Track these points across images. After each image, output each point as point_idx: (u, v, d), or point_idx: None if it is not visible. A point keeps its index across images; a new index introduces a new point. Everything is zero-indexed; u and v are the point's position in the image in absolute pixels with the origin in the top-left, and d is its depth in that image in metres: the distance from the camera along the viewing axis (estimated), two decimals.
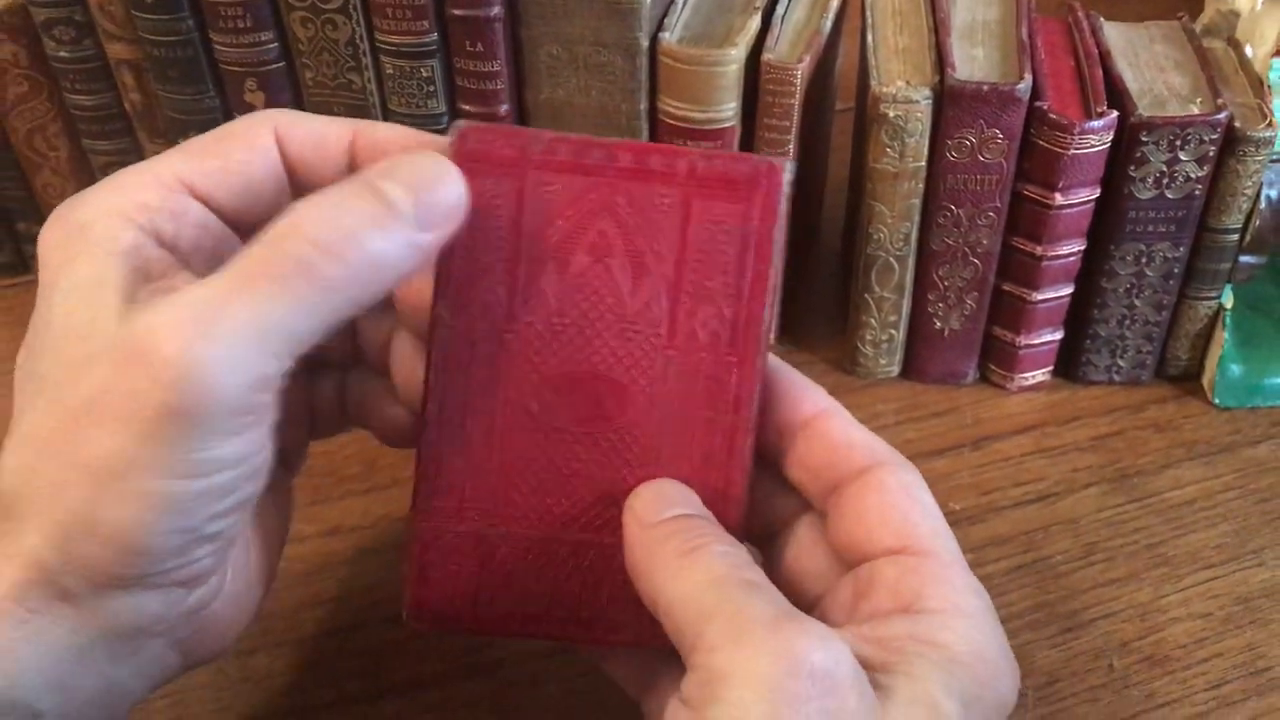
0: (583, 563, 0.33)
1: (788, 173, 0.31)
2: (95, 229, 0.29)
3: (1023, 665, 0.40)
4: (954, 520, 0.45)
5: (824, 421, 0.33)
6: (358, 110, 0.48)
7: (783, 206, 0.31)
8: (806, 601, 0.33)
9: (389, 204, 0.28)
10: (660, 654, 0.31)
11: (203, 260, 0.31)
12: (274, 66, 0.47)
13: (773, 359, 0.34)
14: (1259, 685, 0.40)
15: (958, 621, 0.29)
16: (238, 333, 0.27)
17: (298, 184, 0.33)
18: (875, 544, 0.31)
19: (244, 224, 0.33)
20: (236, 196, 0.32)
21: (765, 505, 0.35)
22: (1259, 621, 0.42)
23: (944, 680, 0.28)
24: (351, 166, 0.33)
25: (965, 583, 0.31)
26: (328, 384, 0.38)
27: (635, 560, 0.31)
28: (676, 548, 0.30)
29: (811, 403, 0.33)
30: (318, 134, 0.33)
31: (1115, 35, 0.48)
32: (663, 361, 0.32)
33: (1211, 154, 0.44)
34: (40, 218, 0.56)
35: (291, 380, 0.36)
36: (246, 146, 0.32)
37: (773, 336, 0.49)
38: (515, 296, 0.32)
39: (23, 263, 0.58)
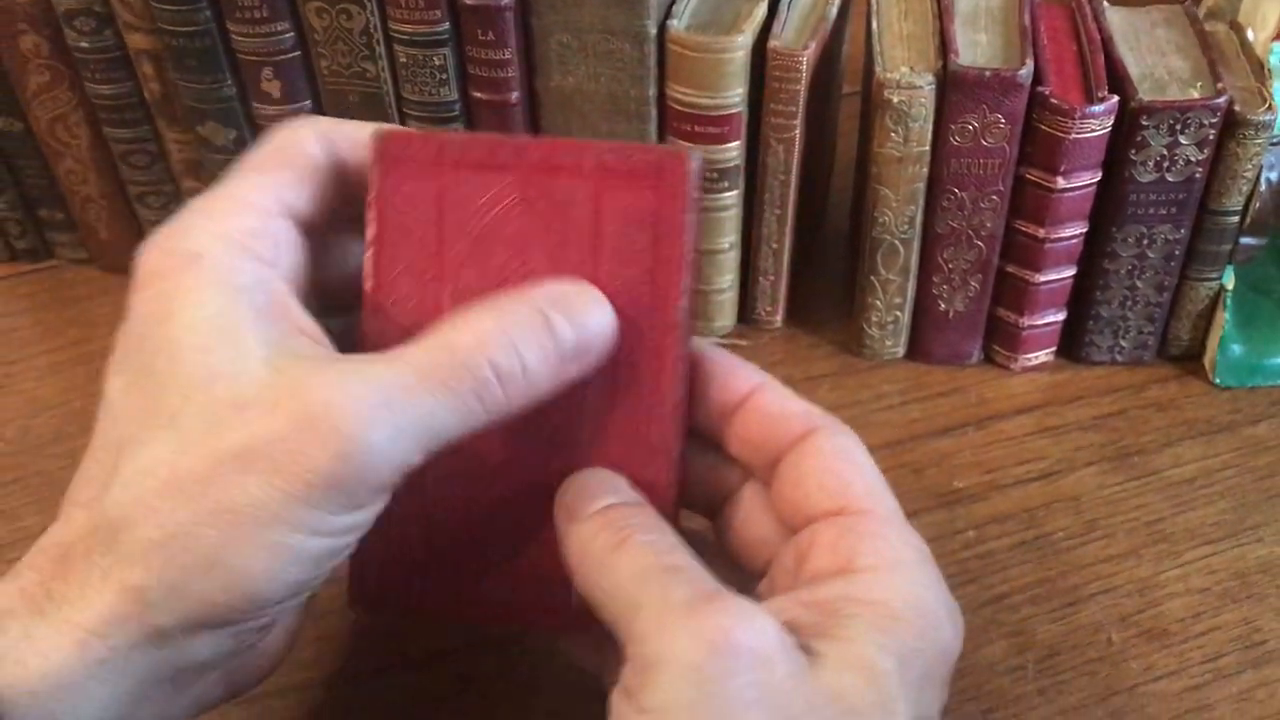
0: (519, 552, 0.34)
1: (694, 161, 0.32)
2: (210, 260, 0.30)
3: (1023, 639, 0.42)
4: (957, 498, 0.47)
5: (758, 396, 0.34)
6: (372, 98, 0.49)
7: (692, 194, 0.32)
8: (757, 568, 0.34)
9: (557, 339, 0.30)
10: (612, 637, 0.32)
11: (292, 277, 0.32)
12: (290, 56, 0.48)
13: (701, 342, 0.34)
14: (1254, 658, 0.41)
15: (892, 577, 0.30)
16: (407, 427, 0.28)
17: (342, 183, 0.34)
18: (813, 507, 0.32)
19: (314, 229, 0.34)
20: (310, 205, 0.33)
21: (710, 476, 0.35)
22: (1255, 596, 0.43)
23: (878, 639, 0.28)
24: None
25: (900, 537, 0.31)
26: None
27: (568, 556, 0.32)
28: (604, 543, 0.30)
29: (745, 380, 0.34)
30: (353, 137, 0.33)
31: (1117, 19, 0.49)
32: None
33: (1211, 137, 0.45)
34: (62, 204, 0.57)
35: None
36: (305, 152, 0.33)
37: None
38: (441, 295, 0.32)
39: (45, 248, 0.59)
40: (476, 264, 0.32)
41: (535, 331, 0.30)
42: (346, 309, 0.35)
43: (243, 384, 0.28)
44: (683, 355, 0.33)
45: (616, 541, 0.30)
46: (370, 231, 0.33)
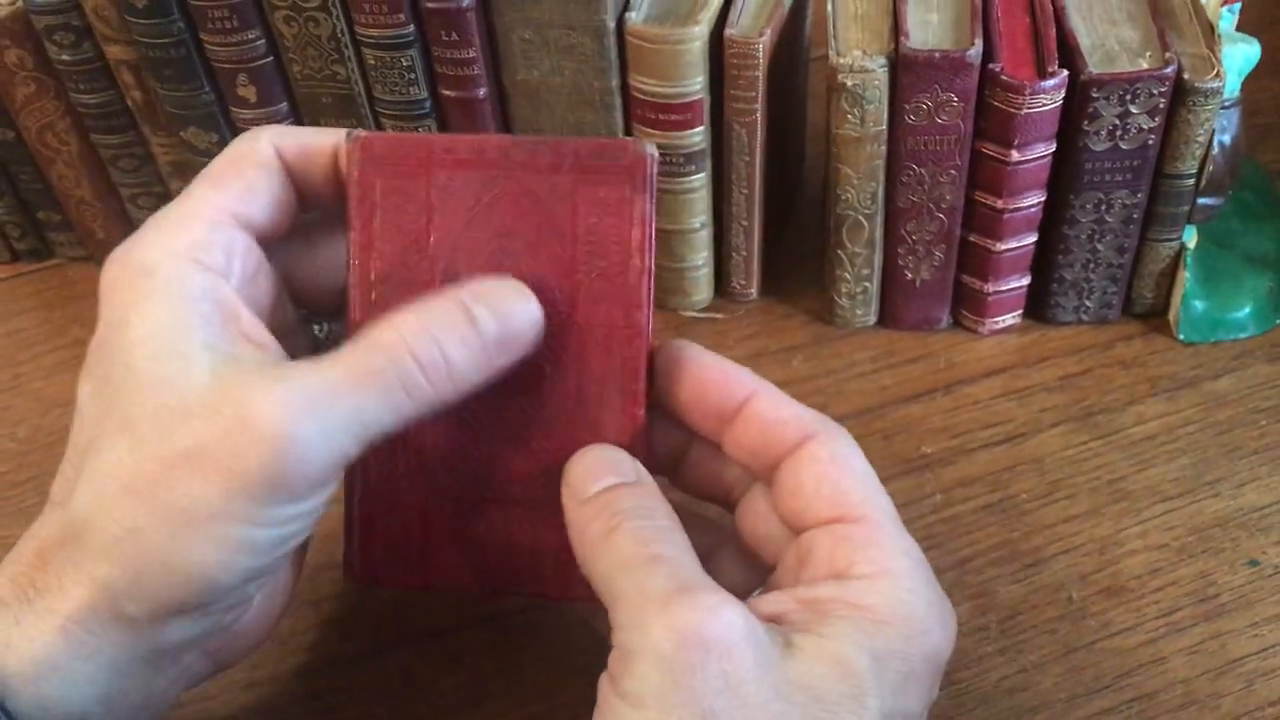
0: (512, 523, 0.37)
1: (655, 153, 0.35)
2: (162, 272, 0.32)
3: (986, 600, 0.44)
4: (925, 463, 0.49)
5: (754, 403, 0.35)
6: (345, 99, 0.50)
7: (653, 184, 0.35)
8: (767, 564, 0.36)
9: (480, 332, 0.33)
10: None
11: (246, 283, 0.34)
12: (263, 62, 0.49)
13: (696, 348, 0.36)
14: (1207, 611, 0.43)
15: (883, 584, 0.31)
16: (337, 422, 0.31)
17: (298, 189, 0.36)
18: (813, 515, 0.34)
19: (270, 239, 0.36)
20: (263, 213, 0.35)
21: (725, 474, 0.37)
22: (1211, 550, 0.45)
23: (856, 638, 0.30)
24: (336, 170, 0.36)
25: (894, 545, 0.33)
26: None
27: (571, 536, 0.34)
28: (599, 529, 0.32)
29: (741, 386, 0.35)
30: (307, 145, 0.35)
31: None
32: (568, 337, 0.35)
33: (1162, 106, 0.45)
34: (57, 206, 0.59)
35: None
36: (257, 164, 0.35)
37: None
38: (430, 283, 0.35)
39: (45, 248, 0.61)
40: (463, 259, 0.35)
41: (456, 325, 0.33)
42: (332, 307, 0.38)
43: (188, 392, 0.31)
44: (651, 335, 0.36)
45: (609, 528, 0.32)
46: (356, 227, 0.35)
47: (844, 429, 0.35)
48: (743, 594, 0.31)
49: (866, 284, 0.52)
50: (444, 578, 0.38)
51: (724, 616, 0.29)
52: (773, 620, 0.31)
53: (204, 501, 0.30)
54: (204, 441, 0.30)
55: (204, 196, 0.34)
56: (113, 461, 0.31)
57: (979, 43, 0.45)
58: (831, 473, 0.34)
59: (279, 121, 0.51)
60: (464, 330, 0.33)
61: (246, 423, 0.30)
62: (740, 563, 0.37)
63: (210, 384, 0.31)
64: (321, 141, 0.36)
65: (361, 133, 0.35)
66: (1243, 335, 0.52)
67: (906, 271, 0.52)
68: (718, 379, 0.36)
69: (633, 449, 0.35)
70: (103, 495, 0.31)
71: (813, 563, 0.33)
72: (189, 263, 0.33)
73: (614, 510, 0.33)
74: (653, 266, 0.35)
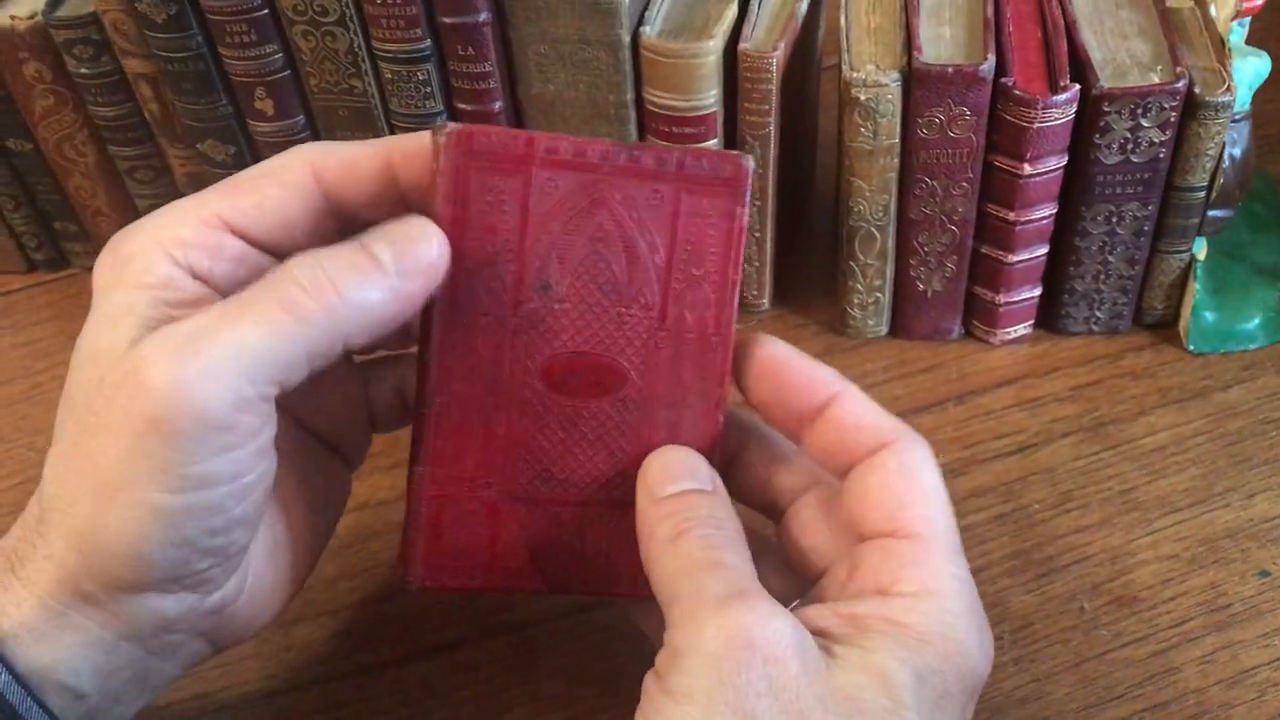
0: (585, 523, 0.37)
1: (752, 164, 0.35)
2: (135, 261, 0.33)
3: (999, 610, 0.44)
4: None
5: (836, 406, 0.35)
6: (361, 112, 0.50)
7: (749, 194, 0.35)
8: (811, 574, 0.36)
9: (371, 255, 0.32)
10: None
11: (230, 285, 0.34)
12: (281, 76, 0.49)
13: (783, 345, 0.36)
14: (1219, 621, 0.43)
15: (926, 604, 0.32)
16: (217, 356, 0.30)
17: (337, 208, 0.35)
18: (869, 526, 0.34)
19: (282, 253, 0.35)
20: (271, 230, 0.34)
21: (773, 483, 0.38)
22: (1221, 561, 0.45)
23: (899, 654, 0.30)
24: (389, 181, 0.35)
25: (942, 566, 0.33)
26: (387, 380, 0.40)
27: (640, 532, 0.34)
28: (667, 532, 0.33)
29: (824, 388, 0.35)
30: (349, 160, 0.35)
31: (1082, 1, 0.50)
32: (655, 342, 0.36)
33: (1173, 120, 0.46)
34: (74, 217, 0.59)
35: (350, 378, 0.39)
36: (281, 184, 0.34)
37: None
38: (520, 283, 0.35)
39: (62, 258, 0.62)
40: (555, 258, 0.35)
41: (344, 251, 0.32)
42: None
43: (107, 364, 0.31)
44: (733, 342, 0.36)
45: (678, 531, 0.33)
46: (444, 222, 0.34)
47: (923, 440, 0.35)
48: (781, 604, 0.31)
49: (879, 294, 0.53)
50: (511, 580, 0.38)
51: (774, 623, 0.30)
52: (813, 634, 0.31)
53: (115, 464, 0.30)
54: (110, 399, 0.30)
55: (207, 199, 0.34)
56: (61, 444, 0.32)
57: (991, 57, 0.45)
58: (895, 484, 0.34)
59: (296, 135, 0.51)
60: (352, 255, 0.32)
61: (138, 373, 0.30)
62: (780, 573, 0.37)
63: (125, 351, 0.31)
64: (365, 155, 0.35)
65: (454, 125, 0.34)
66: (1252, 346, 0.53)
67: (918, 282, 0.52)
68: (800, 380, 0.36)
69: (709, 454, 0.36)
70: (53, 475, 0.32)
71: (859, 576, 0.33)
72: (161, 255, 0.33)
73: (686, 515, 0.33)
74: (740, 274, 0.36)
